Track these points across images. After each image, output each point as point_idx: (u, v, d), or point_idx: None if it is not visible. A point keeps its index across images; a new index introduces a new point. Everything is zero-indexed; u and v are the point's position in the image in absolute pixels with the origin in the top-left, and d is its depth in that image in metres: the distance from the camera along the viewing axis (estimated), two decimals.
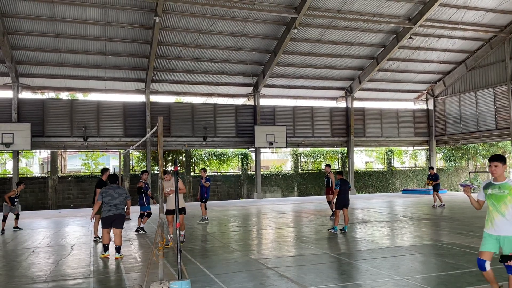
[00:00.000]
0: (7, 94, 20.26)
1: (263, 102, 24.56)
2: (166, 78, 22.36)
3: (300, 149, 27.04)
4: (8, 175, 22.05)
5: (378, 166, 30.59)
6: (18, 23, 17.81)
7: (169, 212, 9.44)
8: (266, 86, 23.79)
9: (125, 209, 8.93)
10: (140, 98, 22.53)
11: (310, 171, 27.23)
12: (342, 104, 26.47)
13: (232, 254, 8.74)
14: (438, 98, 27.70)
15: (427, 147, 28.68)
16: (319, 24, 20.59)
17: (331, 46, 22.27)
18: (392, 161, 29.46)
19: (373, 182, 28.26)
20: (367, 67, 24.30)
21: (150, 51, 19.64)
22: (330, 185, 14.43)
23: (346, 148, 26.75)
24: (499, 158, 4.89)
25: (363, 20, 20.44)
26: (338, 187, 11.15)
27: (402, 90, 27.27)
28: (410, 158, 31.21)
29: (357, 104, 26.57)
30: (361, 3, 19.60)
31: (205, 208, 14.12)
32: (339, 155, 28.17)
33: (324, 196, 14.82)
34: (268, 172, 26.92)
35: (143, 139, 16.12)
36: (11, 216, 13.11)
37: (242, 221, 14.33)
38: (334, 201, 14.56)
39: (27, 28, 18.14)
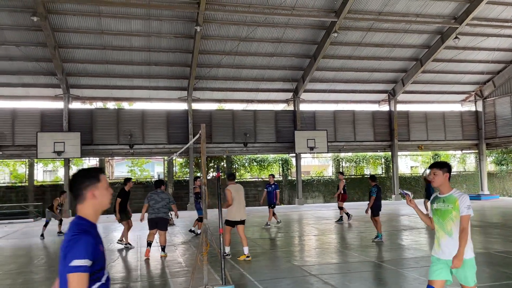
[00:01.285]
0: (59, 105, 21.32)
1: (303, 107, 24.44)
2: (207, 86, 22.76)
3: (342, 154, 26.63)
4: (60, 182, 23.14)
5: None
6: (68, 37, 18.75)
7: (229, 223, 8.85)
8: (306, 91, 23.67)
9: (169, 213, 9.45)
10: (182, 106, 23.04)
11: (353, 177, 26.74)
12: (384, 107, 25.86)
13: (275, 260, 8.72)
14: (487, 99, 26.46)
15: (477, 151, 27.42)
16: (359, 27, 20.28)
17: (373, 48, 21.85)
18: None
19: (419, 187, 27.33)
20: (410, 69, 23.63)
21: (192, 60, 20.07)
22: (341, 192, 15.18)
23: (389, 153, 26.08)
24: (439, 165, 4.11)
25: (406, 21, 19.93)
26: (375, 194, 10.80)
27: (448, 92, 26.28)
28: (458, 162, 29.98)
29: (400, 107, 25.86)
30: (403, 4, 19.13)
31: (273, 214, 14.54)
32: (383, 160, 27.51)
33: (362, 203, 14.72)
34: (309, 177, 26.70)
35: (186, 146, 16.45)
36: (54, 222, 13.99)
37: (284, 227, 14.27)
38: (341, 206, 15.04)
39: (76, 41, 19.05)
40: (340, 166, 26.78)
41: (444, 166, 4.10)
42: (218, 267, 6.78)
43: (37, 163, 22.87)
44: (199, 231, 12.22)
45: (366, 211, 11.07)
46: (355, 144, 25.19)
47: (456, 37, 20.56)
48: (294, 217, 17.74)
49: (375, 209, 10.81)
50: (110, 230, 14.84)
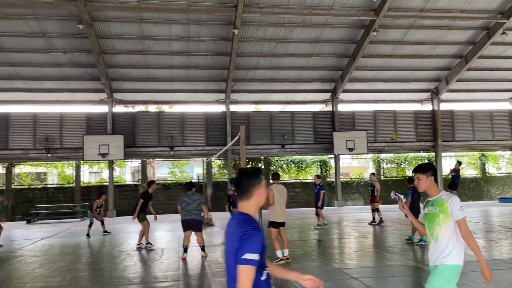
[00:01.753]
0: (103, 108, 22.14)
1: (342, 107, 24.08)
2: (245, 88, 22.88)
3: (383, 155, 26.03)
4: (104, 183, 23.99)
5: (470, 172, 28.42)
6: (111, 43, 19.42)
7: (272, 224, 8.74)
8: (344, 91, 23.31)
9: (201, 214, 9.65)
10: (220, 108, 23.30)
11: (394, 178, 26.07)
12: (427, 107, 25.04)
13: (315, 262, 8.64)
14: None
15: None
16: (400, 24, 19.77)
17: (414, 46, 21.23)
18: (486, 166, 27.19)
19: (465, 189, 26.27)
20: (454, 67, 22.77)
21: (230, 62, 20.26)
22: (375, 194, 14.87)
23: (433, 153, 25.23)
24: (422, 169, 3.89)
25: (450, 17, 19.23)
26: (410, 197, 10.43)
27: (495, 89, 25.10)
28: (507, 163, 28.58)
29: (444, 106, 24.94)
30: (447, 0, 18.48)
31: (317, 214, 14.52)
32: (426, 161, 26.65)
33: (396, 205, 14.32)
34: (349, 179, 26.28)
35: (225, 148, 16.63)
36: (97, 222, 14.42)
37: (323, 229, 14.11)
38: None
39: (119, 47, 19.69)
40: (381, 167, 26.18)
41: (427, 170, 3.88)
42: None
43: (83, 165, 23.81)
44: None
45: (406, 215, 10.75)
46: (397, 144, 24.54)
47: (503, 33, 19.60)
48: (334, 219, 17.51)
49: (413, 212, 10.45)
50: (152, 230, 15.18)
